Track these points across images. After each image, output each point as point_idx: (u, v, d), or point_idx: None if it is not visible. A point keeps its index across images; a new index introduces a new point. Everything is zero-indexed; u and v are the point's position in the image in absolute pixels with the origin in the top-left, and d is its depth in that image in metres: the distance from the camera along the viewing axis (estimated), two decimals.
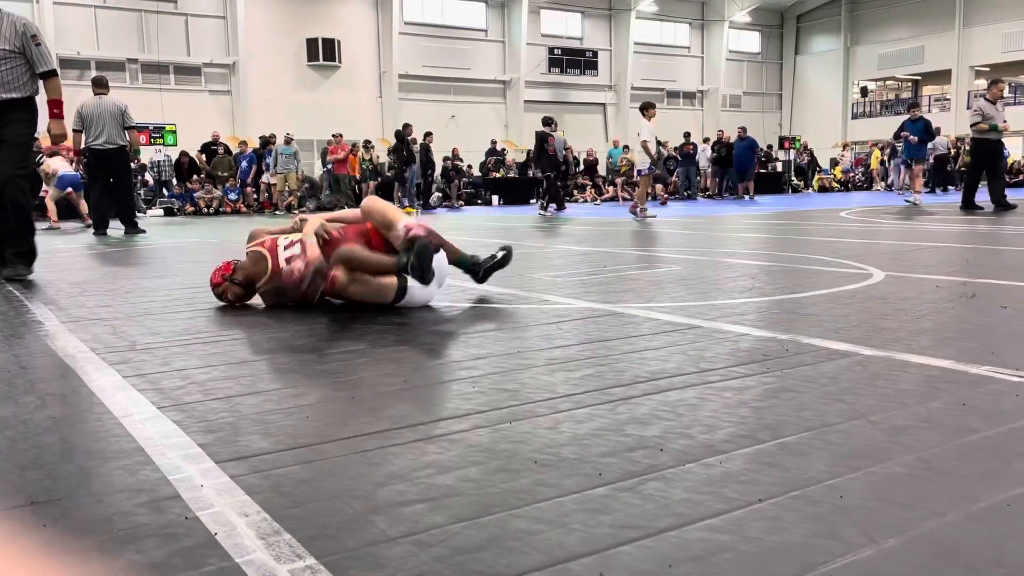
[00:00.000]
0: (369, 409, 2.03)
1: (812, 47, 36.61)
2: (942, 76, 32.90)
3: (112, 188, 10.20)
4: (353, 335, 3.08)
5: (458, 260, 4.08)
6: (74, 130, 9.79)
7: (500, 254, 4.17)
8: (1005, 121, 11.17)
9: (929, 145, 15.82)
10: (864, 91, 35.45)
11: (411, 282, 3.51)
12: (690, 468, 1.57)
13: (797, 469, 1.55)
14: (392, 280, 3.51)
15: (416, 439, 1.78)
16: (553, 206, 14.76)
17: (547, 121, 14.96)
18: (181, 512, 1.41)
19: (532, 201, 20.32)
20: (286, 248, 3.73)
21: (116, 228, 10.38)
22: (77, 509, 1.43)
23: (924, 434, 1.74)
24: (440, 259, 3.72)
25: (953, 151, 23.43)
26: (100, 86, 10.11)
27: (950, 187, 22.08)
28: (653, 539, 1.27)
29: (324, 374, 2.43)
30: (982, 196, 11.63)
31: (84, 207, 12.09)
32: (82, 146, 9.98)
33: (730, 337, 2.84)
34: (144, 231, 10.32)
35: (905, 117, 14.90)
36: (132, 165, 11.27)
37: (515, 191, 20.78)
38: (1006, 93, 17.73)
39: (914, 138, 14.11)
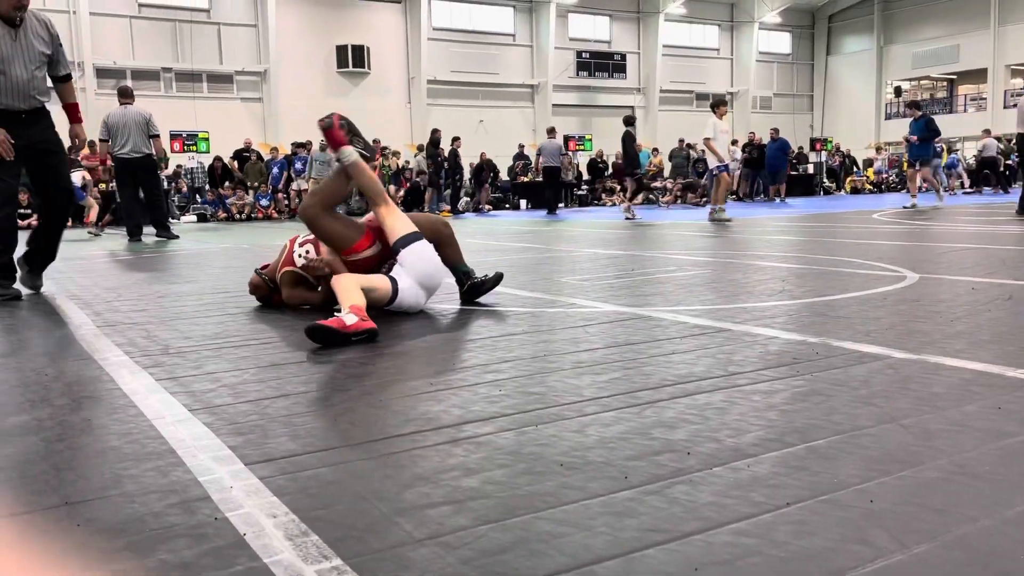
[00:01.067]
0: (396, 412, 2.04)
1: (844, 47, 36.17)
2: (978, 75, 32.34)
3: (142, 195, 10.45)
4: (380, 339, 3.10)
5: (454, 265, 4.03)
6: (100, 139, 10.01)
7: (491, 276, 4.08)
8: None
9: (979, 145, 15.26)
10: (898, 91, 34.93)
11: (401, 285, 3.55)
12: (717, 472, 1.56)
13: (826, 473, 1.53)
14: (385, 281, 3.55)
15: (442, 442, 1.79)
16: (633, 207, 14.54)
17: (629, 120, 14.80)
18: (211, 513, 1.43)
19: (562, 205, 20.30)
20: (300, 244, 3.93)
21: (149, 234, 10.54)
22: (110, 509, 1.46)
23: (958, 438, 1.71)
24: (437, 266, 3.73)
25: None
26: (125, 96, 10.36)
27: (987, 188, 21.64)
28: (679, 543, 1.26)
29: (351, 377, 2.45)
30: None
31: (93, 215, 12.18)
32: (108, 155, 10.20)
33: (759, 340, 2.81)
34: (177, 236, 10.49)
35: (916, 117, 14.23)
36: (161, 172, 11.47)
37: (543, 195, 20.74)
38: None
39: (913, 137, 13.80)
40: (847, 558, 1.19)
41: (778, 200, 19.49)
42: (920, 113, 14.31)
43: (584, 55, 29.95)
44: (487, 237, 9.45)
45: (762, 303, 3.68)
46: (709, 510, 1.38)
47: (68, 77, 5.00)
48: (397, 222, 3.68)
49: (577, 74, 29.90)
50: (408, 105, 26.57)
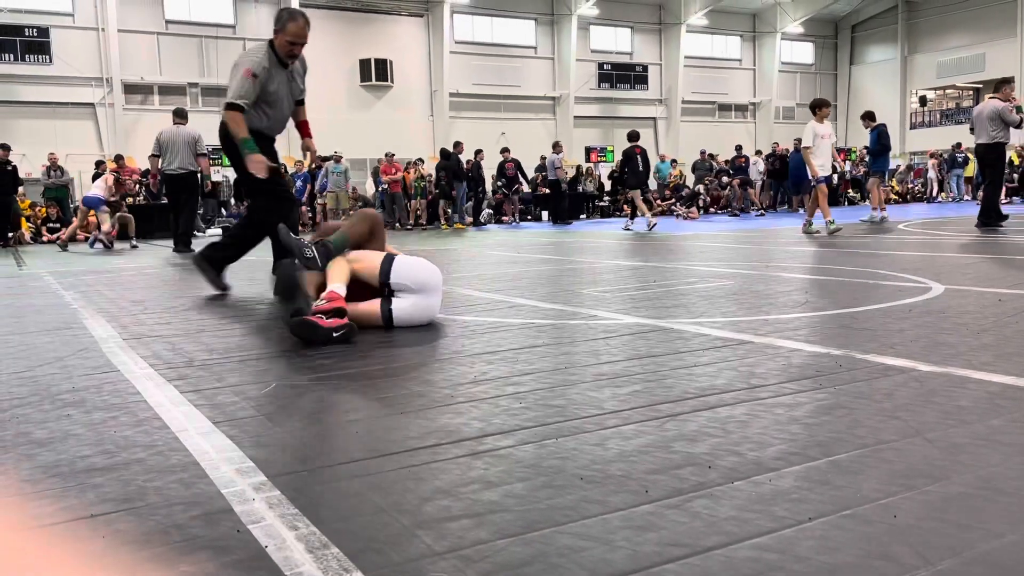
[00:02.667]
0: (416, 424, 2.05)
1: (868, 57, 35.92)
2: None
3: (179, 209, 10.98)
4: (401, 352, 3.11)
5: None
6: (152, 155, 10.61)
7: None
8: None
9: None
10: (923, 100, 34.60)
11: (397, 303, 3.58)
12: (739, 486, 1.55)
13: (849, 487, 1.51)
14: (375, 307, 3.59)
15: (462, 455, 1.79)
16: (637, 219, 14.67)
17: (634, 136, 14.72)
18: (233, 525, 1.44)
19: (583, 216, 20.31)
20: None
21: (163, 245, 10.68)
22: (135, 521, 1.47)
23: (984, 452, 1.69)
24: (426, 268, 3.69)
25: (1019, 161, 22.68)
26: (180, 116, 10.96)
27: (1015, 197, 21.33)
28: (700, 557, 1.25)
29: (372, 390, 2.46)
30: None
31: (105, 225, 12.41)
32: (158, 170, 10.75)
33: (782, 352, 2.79)
34: (193, 251, 10.70)
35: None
36: (204, 190, 11.96)
37: (554, 207, 20.73)
38: None
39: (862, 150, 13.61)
40: (870, 574, 1.17)
41: (802, 211, 19.34)
42: (874, 124, 13.79)
43: (606, 67, 30.00)
44: (508, 249, 9.47)
45: (785, 315, 3.65)
46: (730, 524, 1.37)
47: (303, 102, 5.55)
48: (366, 263, 3.59)
49: (599, 86, 29.94)
50: (431, 118, 26.73)
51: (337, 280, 3.46)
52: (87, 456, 1.87)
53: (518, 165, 19.33)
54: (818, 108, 10.90)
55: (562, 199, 18.64)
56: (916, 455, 1.68)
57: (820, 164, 10.61)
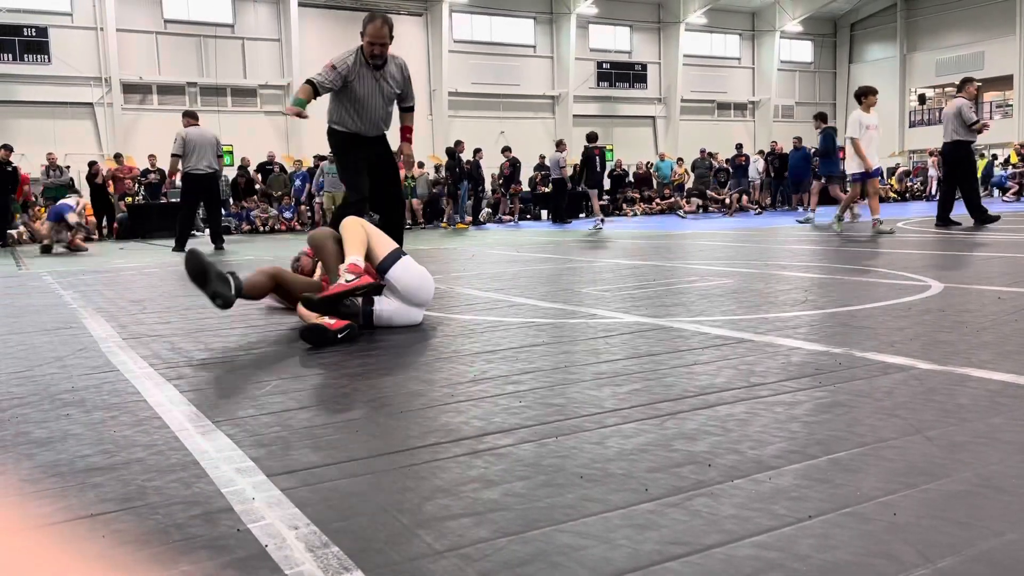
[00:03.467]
0: (416, 423, 2.05)
1: (867, 55, 35.94)
2: (1004, 82, 31.97)
3: (206, 209, 11.38)
4: (401, 351, 3.11)
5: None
6: (174, 155, 10.65)
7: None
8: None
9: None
10: (922, 99, 34.63)
11: (379, 305, 3.56)
12: (739, 484, 1.55)
13: (849, 485, 1.51)
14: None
15: (462, 453, 1.79)
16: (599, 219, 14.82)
17: (592, 137, 14.91)
18: (233, 524, 1.44)
19: (583, 216, 20.31)
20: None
21: (165, 244, 10.67)
22: (134, 521, 1.47)
23: (984, 450, 1.69)
24: (424, 277, 3.69)
25: (1017, 160, 22.68)
26: (195, 118, 11.09)
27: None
28: (700, 555, 1.25)
29: (372, 389, 2.46)
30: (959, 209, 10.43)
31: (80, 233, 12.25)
32: (179, 171, 10.82)
33: (781, 351, 2.79)
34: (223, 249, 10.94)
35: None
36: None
37: (554, 206, 20.74)
38: None
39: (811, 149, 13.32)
40: (870, 572, 1.17)
41: (801, 209, 19.35)
42: (824, 126, 13.35)
43: (605, 65, 30.00)
44: (508, 248, 9.47)
45: (784, 313, 3.65)
46: (731, 523, 1.37)
47: (412, 108, 5.77)
48: (375, 243, 3.59)
49: (598, 84, 29.95)
50: (429, 117, 26.73)
51: (356, 251, 3.44)
52: (87, 456, 1.87)
53: (513, 163, 19.34)
54: (864, 96, 9.77)
55: (564, 198, 18.75)
56: (916, 453, 1.69)
57: (867, 160, 9.70)
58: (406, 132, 5.74)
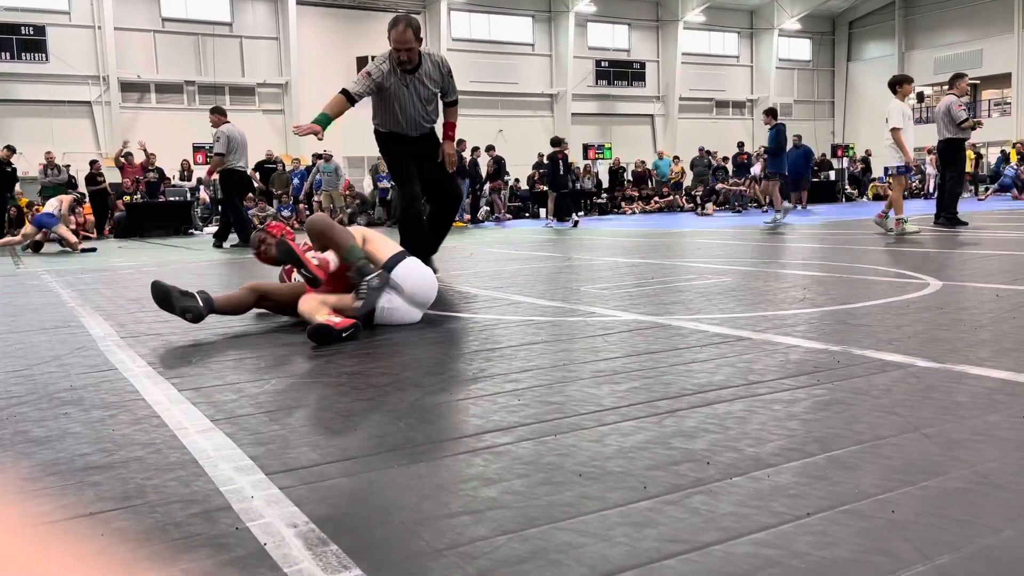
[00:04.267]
0: (415, 422, 2.05)
1: (865, 53, 35.93)
2: (1002, 80, 31.99)
3: (237, 206, 11.21)
4: (400, 349, 3.11)
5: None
6: (219, 153, 10.50)
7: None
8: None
9: None
10: (920, 96, 34.59)
11: (384, 302, 3.55)
12: (737, 482, 1.55)
13: (848, 483, 1.52)
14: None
15: (461, 452, 1.79)
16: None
17: (556, 142, 15.20)
18: (232, 523, 1.44)
19: (582, 213, 20.30)
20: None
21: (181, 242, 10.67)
22: (133, 519, 1.47)
23: (982, 448, 1.69)
24: (429, 279, 3.71)
25: (1016, 158, 22.68)
26: (225, 114, 10.91)
27: None
28: (699, 553, 1.25)
29: (371, 388, 2.46)
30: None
31: (71, 236, 12.00)
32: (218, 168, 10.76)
33: (780, 349, 2.79)
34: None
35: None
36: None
37: (558, 204, 20.74)
38: None
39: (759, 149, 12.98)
40: (868, 569, 1.18)
41: (799, 207, 19.37)
42: (774, 122, 12.98)
43: (603, 64, 29.98)
44: (507, 246, 9.47)
45: (783, 311, 3.66)
46: (729, 520, 1.37)
47: (455, 103, 5.67)
48: (377, 247, 3.61)
49: (596, 83, 29.92)
50: None
51: (321, 309, 3.39)
52: (86, 454, 1.87)
53: (498, 161, 19.37)
54: (900, 84, 8.92)
55: (568, 196, 18.82)
56: (914, 451, 1.69)
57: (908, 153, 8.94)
58: (448, 129, 5.67)
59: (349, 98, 5.31)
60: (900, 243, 7.55)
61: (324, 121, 5.12)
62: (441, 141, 5.63)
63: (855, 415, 1.96)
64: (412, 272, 3.62)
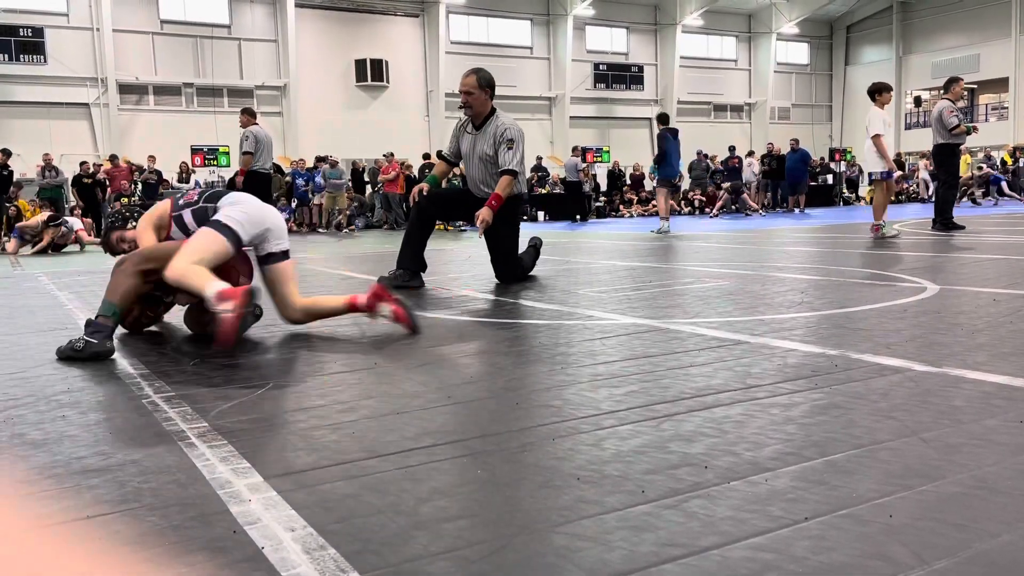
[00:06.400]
0: (413, 425, 2.05)
1: (863, 57, 36.00)
2: (999, 84, 32.06)
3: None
4: (396, 353, 3.11)
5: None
6: (248, 152, 10.23)
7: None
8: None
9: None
10: (918, 101, 34.69)
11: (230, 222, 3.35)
12: (735, 486, 1.55)
13: (845, 487, 1.52)
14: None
15: (459, 455, 1.79)
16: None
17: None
18: (229, 526, 1.44)
19: (578, 217, 20.33)
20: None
21: None
22: (130, 522, 1.47)
23: (979, 452, 1.69)
24: (260, 209, 3.49)
25: (1011, 162, 22.73)
26: (255, 116, 10.81)
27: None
28: (696, 557, 1.25)
29: (368, 391, 2.46)
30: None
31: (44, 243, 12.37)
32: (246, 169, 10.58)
33: (777, 353, 2.80)
34: None
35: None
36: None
37: (560, 207, 20.81)
38: None
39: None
40: (866, 574, 1.18)
41: (797, 211, 19.40)
42: (662, 127, 12.69)
43: (601, 67, 30.00)
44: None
45: (781, 315, 3.66)
46: (727, 524, 1.37)
47: (507, 173, 5.35)
48: (208, 250, 3.25)
49: (595, 86, 29.94)
50: (426, 118, 26.70)
51: (207, 280, 3.03)
52: (83, 457, 1.86)
53: None
54: (879, 93, 9.12)
55: (580, 200, 19.44)
56: (912, 455, 1.69)
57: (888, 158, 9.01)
58: (492, 198, 5.26)
59: (442, 157, 5.80)
60: (897, 248, 7.56)
61: (432, 181, 5.61)
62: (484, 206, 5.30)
63: (853, 419, 1.96)
64: (238, 216, 3.37)
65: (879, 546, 1.26)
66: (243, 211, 3.44)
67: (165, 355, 3.19)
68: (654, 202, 21.49)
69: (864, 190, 24.50)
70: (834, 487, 1.52)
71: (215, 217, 3.39)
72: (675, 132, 12.75)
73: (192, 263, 3.15)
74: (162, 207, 3.57)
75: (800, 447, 1.76)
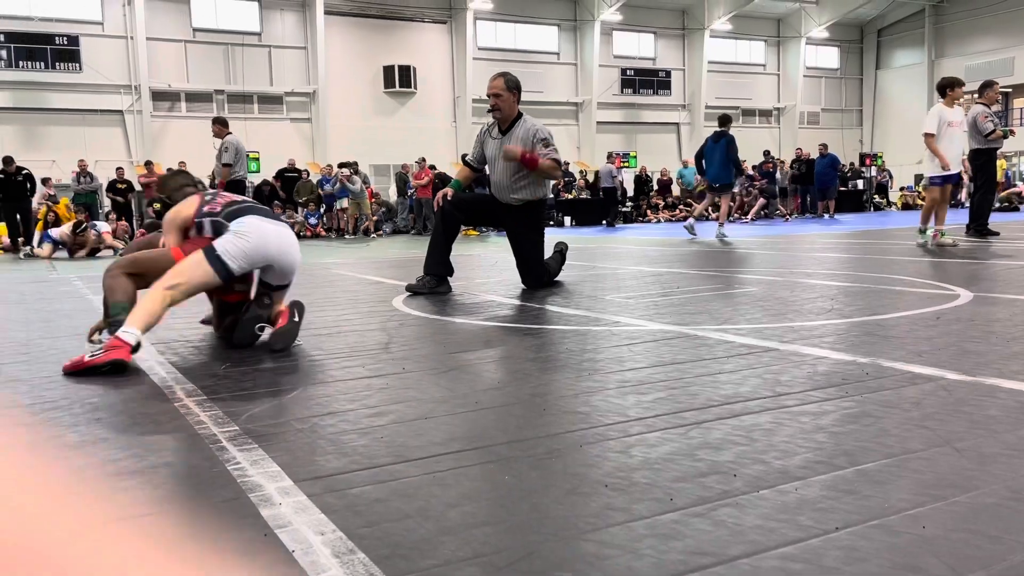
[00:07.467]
0: (441, 430, 2.06)
1: (894, 61, 35.57)
2: None
3: None
4: (423, 358, 3.13)
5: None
6: (228, 164, 10.27)
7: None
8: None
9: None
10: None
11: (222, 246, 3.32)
12: (764, 494, 1.54)
13: (877, 497, 1.50)
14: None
15: (486, 461, 1.80)
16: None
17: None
18: (260, 529, 1.46)
19: (604, 222, 20.29)
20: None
21: None
22: (164, 524, 1.49)
23: (1014, 462, 1.67)
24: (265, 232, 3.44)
25: (1005, 165, 22.35)
26: (227, 125, 10.80)
27: None
28: (725, 566, 1.25)
29: (396, 396, 2.48)
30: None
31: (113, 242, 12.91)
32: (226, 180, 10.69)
33: (807, 360, 2.77)
34: None
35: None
36: None
37: (586, 212, 20.79)
38: None
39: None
40: None
41: (827, 216, 19.20)
42: (722, 130, 12.51)
43: (629, 72, 29.94)
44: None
45: (810, 322, 3.62)
46: (756, 533, 1.36)
47: (550, 157, 5.43)
48: (188, 278, 3.26)
49: (621, 91, 29.89)
50: (453, 124, 26.81)
51: (135, 322, 3.07)
52: (118, 460, 1.89)
53: None
54: (949, 88, 8.35)
55: (617, 204, 19.71)
56: (945, 465, 1.67)
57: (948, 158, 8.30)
58: (531, 156, 5.32)
59: (466, 163, 5.85)
60: (929, 254, 7.45)
61: (456, 186, 5.71)
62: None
63: (884, 428, 1.94)
64: (231, 248, 3.32)
65: (912, 557, 1.25)
66: (246, 243, 3.32)
67: (196, 359, 3.23)
68: (680, 207, 21.40)
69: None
70: (865, 497, 1.51)
71: (216, 242, 3.32)
72: (716, 136, 13.03)
73: (168, 286, 3.17)
74: (187, 211, 3.57)
75: (830, 456, 1.75)
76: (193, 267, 3.26)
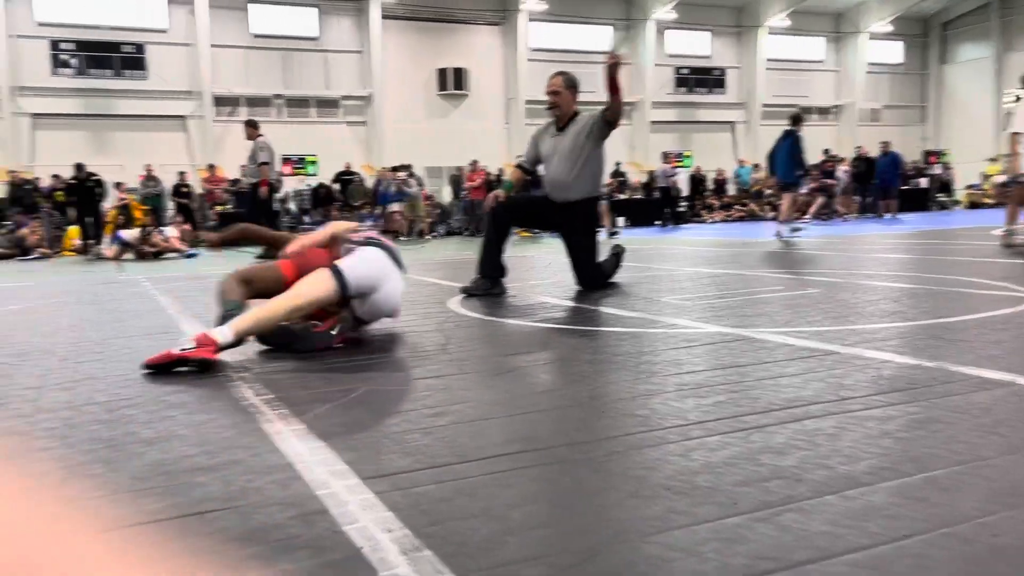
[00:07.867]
0: (500, 431, 2.08)
1: (959, 55, 34.52)
2: None
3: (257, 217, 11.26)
4: (481, 360, 3.16)
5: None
6: (264, 163, 10.78)
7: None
8: None
9: None
10: (1019, 100, 33.08)
11: (359, 308, 3.54)
12: (829, 500, 1.52)
13: (947, 505, 1.48)
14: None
15: (546, 462, 1.82)
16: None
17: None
18: (329, 526, 1.50)
19: (657, 222, 20.14)
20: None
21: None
22: (237, 519, 1.54)
23: None
24: (382, 265, 3.60)
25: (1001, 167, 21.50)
26: (258, 127, 11.22)
27: None
28: (791, 571, 1.24)
29: (455, 396, 2.51)
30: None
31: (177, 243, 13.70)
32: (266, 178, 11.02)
33: (871, 364, 2.72)
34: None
35: None
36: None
37: (639, 212, 20.66)
38: None
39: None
40: None
41: (889, 216, 18.75)
42: (789, 129, 12.02)
43: (683, 71, 29.66)
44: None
45: (873, 325, 3.55)
46: (822, 539, 1.35)
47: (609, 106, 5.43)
48: (312, 291, 3.40)
49: (676, 90, 29.61)
50: (506, 126, 26.88)
51: (243, 323, 3.23)
52: (191, 456, 1.96)
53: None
54: None
55: (672, 204, 19.95)
56: (1018, 472, 1.63)
57: None
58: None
59: (520, 167, 5.87)
60: (999, 255, 7.23)
61: (507, 187, 5.78)
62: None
63: (953, 434, 1.90)
64: (354, 270, 3.48)
65: (984, 566, 1.23)
66: (366, 267, 3.51)
67: (262, 360, 3.31)
68: (736, 207, 21.14)
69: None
70: (935, 504, 1.48)
71: (342, 262, 3.51)
72: (784, 134, 12.21)
73: (287, 305, 3.32)
74: (351, 234, 3.74)
75: (897, 462, 1.72)
76: (315, 284, 3.41)
